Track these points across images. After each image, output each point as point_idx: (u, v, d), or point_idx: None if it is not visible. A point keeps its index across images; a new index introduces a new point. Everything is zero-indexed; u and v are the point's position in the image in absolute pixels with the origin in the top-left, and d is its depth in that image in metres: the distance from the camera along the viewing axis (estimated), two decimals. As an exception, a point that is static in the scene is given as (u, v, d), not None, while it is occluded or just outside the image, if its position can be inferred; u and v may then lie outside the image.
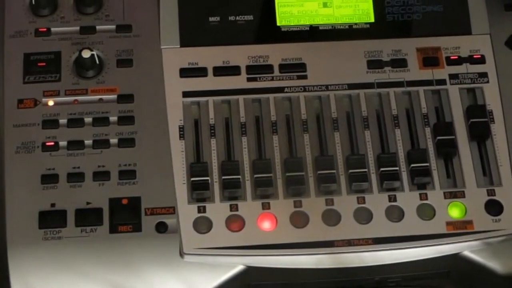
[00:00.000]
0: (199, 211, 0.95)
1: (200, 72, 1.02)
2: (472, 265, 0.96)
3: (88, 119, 0.99)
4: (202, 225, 0.95)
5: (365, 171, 0.98)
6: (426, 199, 0.97)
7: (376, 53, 1.04)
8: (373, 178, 0.98)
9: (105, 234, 0.94)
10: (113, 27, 1.03)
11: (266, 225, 0.95)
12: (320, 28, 1.05)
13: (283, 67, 1.02)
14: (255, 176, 0.97)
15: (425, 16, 1.06)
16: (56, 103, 0.99)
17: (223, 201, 0.96)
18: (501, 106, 1.02)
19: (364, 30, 1.05)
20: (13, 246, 0.92)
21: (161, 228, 0.94)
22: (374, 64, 1.03)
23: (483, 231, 0.96)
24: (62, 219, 0.94)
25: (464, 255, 0.96)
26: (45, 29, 1.02)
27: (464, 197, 0.98)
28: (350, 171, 0.97)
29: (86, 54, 0.99)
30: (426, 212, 0.97)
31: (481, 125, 1.00)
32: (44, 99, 0.99)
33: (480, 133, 1.01)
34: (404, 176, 0.98)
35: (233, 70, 1.02)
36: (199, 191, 0.96)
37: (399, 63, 1.04)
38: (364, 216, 0.96)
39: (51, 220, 0.94)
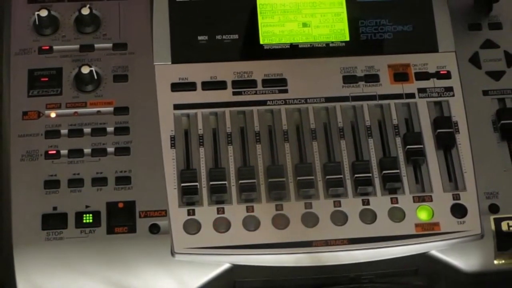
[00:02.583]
0: (188, 214, 0.98)
1: (189, 86, 1.04)
2: (438, 263, 0.99)
3: (87, 130, 1.01)
4: (192, 227, 0.97)
5: (341, 177, 1.00)
6: (397, 203, 1.00)
7: (351, 69, 1.06)
8: (348, 183, 1.00)
9: (102, 235, 0.96)
10: (110, 45, 1.05)
11: (250, 226, 0.98)
12: (300, 46, 1.07)
13: (266, 82, 1.05)
14: (240, 182, 0.99)
15: (395, 36, 1.08)
16: (57, 115, 1.01)
17: (211, 205, 0.98)
18: (465, 118, 1.04)
19: (340, 48, 1.07)
20: (19, 245, 0.95)
21: (154, 229, 0.96)
22: (349, 79, 1.05)
23: (449, 232, 0.98)
24: (63, 221, 0.96)
25: (431, 254, 0.99)
26: (47, 47, 1.04)
27: (431, 201, 1.00)
28: (327, 177, 0.99)
29: (85, 70, 1.01)
30: (397, 214, 0.99)
31: (447, 135, 1.03)
32: (46, 111, 1.01)
33: (446, 143, 1.03)
34: (377, 181, 1.00)
35: (220, 85, 1.04)
36: (188, 196, 0.98)
37: (372, 78, 1.06)
38: (340, 218, 0.99)
39: (53, 222, 0.96)
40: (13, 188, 0.97)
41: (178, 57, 1.05)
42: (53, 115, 1.01)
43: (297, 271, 0.98)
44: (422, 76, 1.07)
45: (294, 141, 1.03)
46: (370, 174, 1.01)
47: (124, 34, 1.06)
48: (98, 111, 1.02)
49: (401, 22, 1.09)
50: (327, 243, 0.97)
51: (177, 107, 1.03)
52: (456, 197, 1.01)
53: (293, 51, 1.07)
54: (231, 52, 1.06)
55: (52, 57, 1.04)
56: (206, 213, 0.98)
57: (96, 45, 1.05)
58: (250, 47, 1.07)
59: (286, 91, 1.05)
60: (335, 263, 0.98)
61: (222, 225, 0.98)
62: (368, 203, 1.00)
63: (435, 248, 0.99)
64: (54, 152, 0.99)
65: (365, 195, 1.00)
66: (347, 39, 1.08)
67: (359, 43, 1.08)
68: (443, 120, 1.04)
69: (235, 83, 1.05)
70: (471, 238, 0.99)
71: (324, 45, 1.08)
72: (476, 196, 1.01)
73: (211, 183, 0.99)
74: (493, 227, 1.00)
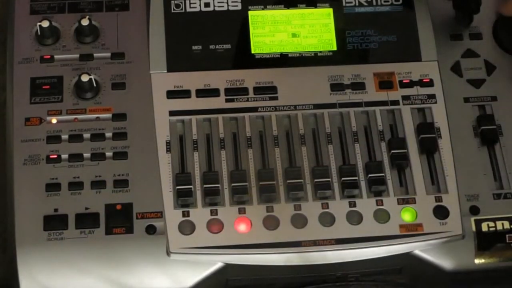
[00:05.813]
0: (183, 215, 0.99)
1: (184, 94, 1.05)
2: (421, 262, 1.01)
3: (86, 135, 1.02)
4: (186, 228, 0.98)
5: (329, 180, 1.01)
6: (382, 204, 1.01)
7: (338, 77, 1.07)
8: (336, 186, 1.01)
9: (101, 236, 0.97)
10: (108, 54, 1.06)
11: (242, 227, 0.99)
12: (289, 55, 1.08)
13: (257, 90, 1.06)
14: (233, 184, 1.00)
15: (381, 45, 1.09)
16: (58, 121, 1.02)
17: (205, 207, 0.99)
18: (447, 124, 1.06)
19: (328, 57, 1.08)
20: (21, 245, 0.96)
21: (150, 230, 0.98)
22: (337, 87, 1.07)
23: (432, 233, 1.00)
24: (64, 222, 0.97)
25: (414, 253, 1.00)
26: (49, 57, 1.05)
27: (415, 203, 1.01)
28: (316, 180, 1.01)
29: (85, 78, 1.02)
30: (382, 216, 1.01)
31: (430, 140, 1.04)
32: (48, 118, 1.02)
33: (429, 147, 1.04)
34: (363, 184, 1.02)
35: (213, 92, 1.05)
36: (183, 198, 0.99)
37: (358, 86, 1.07)
38: (327, 219, 1.00)
39: (54, 223, 0.97)
40: (16, 190, 0.99)
41: (173, 66, 1.06)
42: (54, 121, 1.02)
43: (287, 270, 1.00)
44: (406, 84, 1.08)
45: (284, 146, 1.04)
46: (356, 178, 1.02)
47: (122, 44, 1.07)
48: (97, 118, 1.03)
49: (386, 32, 1.10)
50: (315, 243, 0.99)
51: (172, 113, 1.04)
52: (438, 199, 1.02)
53: (283, 60, 1.08)
54: (224, 61, 1.07)
55: (53, 66, 1.05)
56: (200, 214, 0.99)
57: (95, 55, 1.06)
58: (242, 56, 1.08)
59: (276, 98, 1.06)
60: (323, 262, 0.99)
61: (215, 226, 0.99)
62: (354, 205, 1.01)
63: (418, 248, 1.00)
64: (55, 156, 1.00)
65: (351, 198, 1.01)
66: (335, 48, 1.09)
67: (346, 52, 1.09)
68: (426, 126, 1.05)
69: (228, 91, 1.06)
70: (452, 239, 1.01)
71: (312, 54, 1.09)
72: (458, 199, 1.02)
73: (205, 186, 1.00)
74: (473, 228, 1.02)
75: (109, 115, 1.04)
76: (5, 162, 1.01)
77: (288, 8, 1.11)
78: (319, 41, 1.10)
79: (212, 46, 1.08)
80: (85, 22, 1.06)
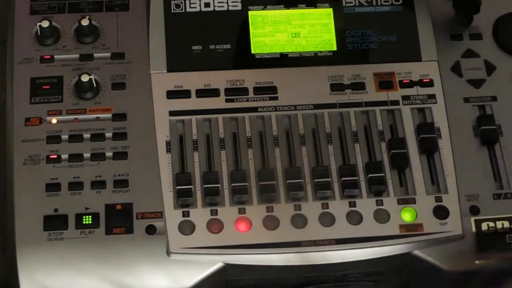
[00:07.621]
0: (183, 216, 0.99)
1: (184, 94, 1.05)
2: (421, 262, 1.01)
3: (86, 135, 1.02)
4: (186, 228, 0.99)
5: (329, 181, 1.01)
6: (382, 205, 1.01)
7: (338, 77, 1.07)
8: (336, 186, 1.02)
9: (101, 236, 0.97)
10: (108, 54, 1.06)
11: (242, 227, 0.99)
12: (289, 55, 1.08)
13: (257, 90, 1.06)
14: (233, 184, 1.00)
15: (381, 45, 1.10)
16: (58, 121, 1.02)
17: (205, 207, 1.00)
18: (447, 124, 1.06)
19: (328, 57, 1.09)
20: (21, 245, 0.96)
21: (150, 230, 0.98)
22: (337, 87, 1.07)
23: (431, 233, 1.00)
24: (64, 222, 0.98)
25: (414, 254, 1.00)
26: (49, 57, 1.06)
27: (415, 203, 1.01)
28: (316, 180, 1.01)
29: (85, 78, 1.03)
30: (382, 216, 1.01)
31: (430, 140, 1.04)
32: (48, 118, 1.02)
33: (429, 147, 1.04)
34: (363, 184, 1.02)
35: (213, 92, 1.05)
36: (183, 198, 0.99)
37: (358, 86, 1.07)
38: (327, 219, 1.00)
39: (54, 223, 0.97)
40: (16, 191, 0.99)
41: (173, 66, 1.07)
42: (54, 121, 1.03)
43: (287, 270, 1.00)
44: (406, 84, 1.08)
45: (284, 146, 1.04)
46: (356, 178, 1.02)
47: (122, 44, 1.08)
48: (97, 118, 1.03)
49: (386, 32, 1.10)
50: (315, 243, 0.99)
51: (172, 113, 1.04)
52: (438, 199, 1.02)
53: (283, 60, 1.08)
54: (224, 61, 1.08)
55: (53, 66, 1.06)
56: (200, 214, 1.00)
57: (95, 55, 1.07)
58: (242, 56, 1.08)
59: (276, 98, 1.06)
60: (323, 262, 1.00)
61: (215, 226, 0.99)
62: (354, 205, 1.01)
63: (418, 248, 1.01)
64: (55, 156, 1.01)
65: (351, 198, 1.02)
66: (335, 48, 1.09)
67: (346, 52, 1.09)
68: (426, 126, 1.06)
69: (228, 91, 1.06)
70: (452, 239, 1.01)
71: (312, 54, 1.09)
72: (458, 199, 1.03)
73: (205, 186, 1.00)
74: (473, 228, 1.02)
75: (109, 115, 1.04)
76: (5, 162, 1.01)
77: (288, 8, 1.11)
78: (319, 41, 1.10)
79: (212, 46, 1.08)
80: (85, 22, 1.07)
